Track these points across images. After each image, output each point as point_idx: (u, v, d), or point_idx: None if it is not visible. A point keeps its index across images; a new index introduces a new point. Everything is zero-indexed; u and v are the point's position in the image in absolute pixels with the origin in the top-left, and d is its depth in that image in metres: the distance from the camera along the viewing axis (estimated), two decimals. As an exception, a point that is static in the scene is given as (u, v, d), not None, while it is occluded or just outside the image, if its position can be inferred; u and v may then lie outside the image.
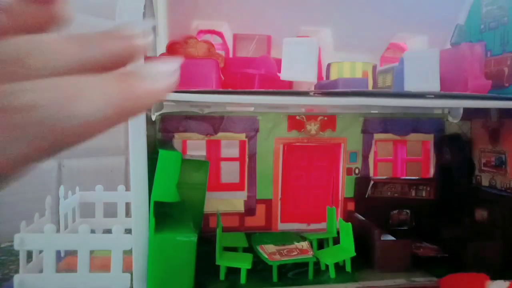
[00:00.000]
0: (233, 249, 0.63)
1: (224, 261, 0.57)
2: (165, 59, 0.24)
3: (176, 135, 0.70)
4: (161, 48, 0.68)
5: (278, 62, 0.60)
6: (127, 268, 0.53)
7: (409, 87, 0.58)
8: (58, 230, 0.68)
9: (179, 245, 0.49)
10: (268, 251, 0.61)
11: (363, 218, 0.69)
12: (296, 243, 0.64)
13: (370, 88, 0.65)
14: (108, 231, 0.61)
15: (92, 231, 0.57)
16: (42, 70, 0.19)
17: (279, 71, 0.59)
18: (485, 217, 0.69)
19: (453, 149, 0.75)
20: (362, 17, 0.73)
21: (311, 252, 0.60)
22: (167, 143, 0.68)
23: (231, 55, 0.73)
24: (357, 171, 0.76)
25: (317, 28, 0.75)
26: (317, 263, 0.60)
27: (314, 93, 0.54)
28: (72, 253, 0.68)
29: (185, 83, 0.53)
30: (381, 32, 0.76)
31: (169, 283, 0.49)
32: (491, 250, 0.62)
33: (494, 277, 0.52)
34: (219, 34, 0.75)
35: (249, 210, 0.74)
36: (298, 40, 0.59)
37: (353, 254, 0.60)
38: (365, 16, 0.73)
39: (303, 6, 0.71)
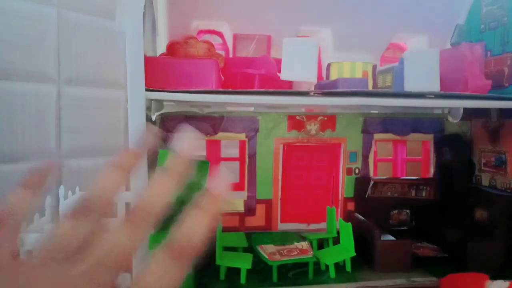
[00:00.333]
0: (233, 249, 0.63)
1: (224, 261, 0.57)
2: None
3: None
4: (161, 48, 0.68)
5: (278, 62, 0.60)
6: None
7: (409, 87, 0.58)
8: (58, 230, 0.68)
9: (179, 245, 0.48)
10: (268, 251, 0.61)
11: (363, 218, 0.69)
12: (296, 243, 0.64)
13: (370, 88, 0.65)
14: (108, 231, 0.61)
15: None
16: None
17: (279, 71, 0.59)
18: (485, 217, 0.69)
19: (453, 149, 0.75)
20: (362, 17, 0.73)
21: (311, 252, 0.60)
22: (167, 143, 0.68)
23: (231, 55, 0.73)
24: (357, 171, 0.76)
25: (317, 28, 0.75)
26: (317, 263, 0.60)
27: (314, 93, 0.54)
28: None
29: (185, 83, 0.53)
30: (381, 32, 0.76)
31: (169, 283, 0.49)
32: (491, 250, 0.62)
33: (494, 277, 0.52)
34: (219, 34, 0.75)
35: (249, 210, 0.74)
36: (298, 40, 0.59)
37: (353, 254, 0.60)
38: (365, 16, 0.73)
39: (303, 6, 0.71)
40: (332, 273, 0.59)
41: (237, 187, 0.74)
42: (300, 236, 0.70)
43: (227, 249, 0.62)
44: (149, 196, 0.28)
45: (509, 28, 0.64)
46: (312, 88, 0.63)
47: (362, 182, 0.75)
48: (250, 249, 0.63)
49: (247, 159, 0.73)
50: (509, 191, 0.68)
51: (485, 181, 0.74)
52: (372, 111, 0.77)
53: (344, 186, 0.76)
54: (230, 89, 0.53)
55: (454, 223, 0.70)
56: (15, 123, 0.87)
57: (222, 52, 0.73)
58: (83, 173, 0.97)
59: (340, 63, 0.66)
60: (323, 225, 0.73)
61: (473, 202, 0.71)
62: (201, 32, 0.74)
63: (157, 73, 0.53)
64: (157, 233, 0.49)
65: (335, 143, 0.76)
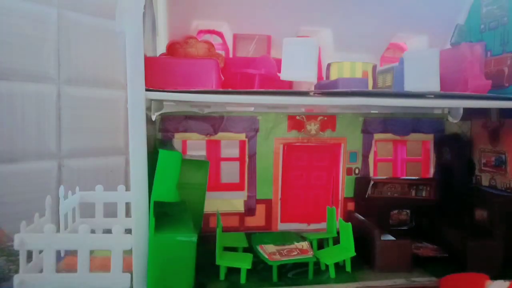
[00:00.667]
0: (233, 249, 0.63)
1: (224, 261, 0.57)
2: None
3: (176, 135, 0.70)
4: (161, 48, 0.68)
5: (278, 62, 0.60)
6: (127, 268, 0.53)
7: (409, 87, 0.58)
8: (58, 230, 0.68)
9: (179, 245, 0.48)
10: (268, 251, 0.61)
11: (363, 218, 0.69)
12: (296, 243, 0.65)
13: (370, 88, 0.65)
14: (108, 231, 0.61)
15: (92, 231, 0.56)
16: None
17: (279, 71, 0.59)
18: (485, 217, 0.69)
19: (453, 149, 0.75)
20: (362, 17, 0.73)
21: (311, 252, 0.60)
22: (167, 143, 0.68)
23: (231, 55, 0.73)
24: (357, 171, 0.76)
25: (317, 28, 0.75)
26: (317, 263, 0.60)
27: (314, 93, 0.54)
28: (72, 253, 0.67)
29: (185, 83, 0.53)
30: (381, 32, 0.76)
31: (169, 283, 0.49)
32: (491, 250, 0.62)
33: (494, 277, 0.52)
34: (219, 34, 0.75)
35: (249, 210, 0.74)
36: (298, 40, 0.59)
37: (353, 254, 0.60)
38: (365, 16, 0.73)
39: (303, 6, 0.71)
40: (332, 273, 0.59)
41: (237, 187, 0.74)
42: (300, 236, 0.70)
43: (227, 249, 0.62)
44: None
45: (509, 28, 0.64)
46: (312, 88, 0.63)
47: (362, 182, 0.75)
48: (250, 249, 0.63)
49: (247, 159, 0.73)
50: (509, 191, 0.68)
51: (485, 181, 0.74)
52: (372, 111, 0.77)
53: (344, 186, 0.76)
54: (230, 89, 0.53)
55: (454, 223, 0.70)
56: (15, 123, 0.87)
57: (222, 52, 0.73)
58: (83, 173, 0.97)
59: (340, 63, 0.66)
60: (323, 225, 0.73)
61: (473, 202, 0.71)
62: (201, 32, 0.74)
63: (157, 73, 0.53)
64: (158, 234, 0.49)
65: (335, 143, 0.76)
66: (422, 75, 0.58)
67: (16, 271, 0.56)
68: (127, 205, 0.80)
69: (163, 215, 0.53)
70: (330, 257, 0.61)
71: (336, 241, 0.66)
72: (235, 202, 0.74)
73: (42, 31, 0.89)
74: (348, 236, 0.61)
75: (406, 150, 0.82)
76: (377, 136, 0.77)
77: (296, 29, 0.73)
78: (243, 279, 0.57)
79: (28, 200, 0.87)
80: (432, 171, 0.79)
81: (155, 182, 0.48)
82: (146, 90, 0.48)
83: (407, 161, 0.82)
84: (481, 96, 0.57)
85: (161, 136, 0.70)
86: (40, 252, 0.62)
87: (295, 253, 0.61)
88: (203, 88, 0.52)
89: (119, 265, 0.54)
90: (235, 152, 0.76)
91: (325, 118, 0.74)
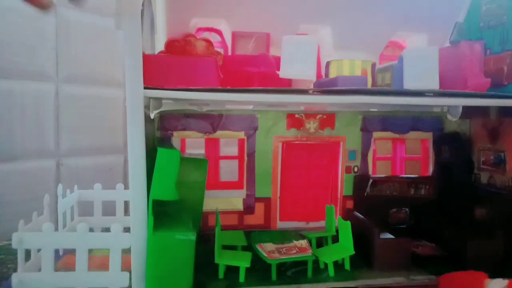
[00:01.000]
0: (232, 248, 0.63)
1: (223, 259, 0.57)
2: None
3: (175, 133, 0.70)
4: (160, 46, 0.68)
5: (277, 60, 0.60)
6: (126, 266, 0.53)
7: (408, 85, 0.58)
8: (56, 229, 0.68)
9: (178, 244, 0.48)
10: (267, 249, 0.61)
11: (362, 217, 0.69)
12: (295, 242, 0.64)
13: (369, 86, 0.65)
14: (107, 229, 0.61)
15: (91, 230, 0.56)
16: None
17: (278, 69, 0.59)
18: (484, 215, 0.69)
19: (452, 148, 0.75)
20: (361, 15, 0.73)
21: (310, 251, 0.60)
22: (165, 141, 0.68)
23: (230, 53, 0.73)
24: (356, 169, 0.76)
25: (317, 26, 0.75)
26: (316, 262, 0.60)
27: (313, 91, 0.54)
28: (71, 252, 0.67)
29: (184, 81, 0.53)
30: (381, 30, 0.75)
31: (168, 282, 0.49)
32: (490, 248, 0.62)
33: (493, 275, 0.52)
34: (218, 32, 0.75)
35: (248, 209, 0.73)
36: (297, 38, 0.59)
37: (352, 252, 0.60)
38: (365, 14, 0.73)
39: (302, 3, 0.71)
40: (331, 271, 0.59)
41: (236, 185, 0.74)
42: (299, 234, 0.70)
43: (226, 247, 0.62)
44: None
45: (508, 27, 0.64)
46: (311, 86, 0.62)
47: (361, 180, 0.75)
48: (249, 247, 0.63)
49: (246, 158, 0.73)
50: (508, 189, 0.68)
51: (484, 179, 0.74)
52: (371, 109, 0.77)
53: (343, 185, 0.76)
54: (229, 87, 0.53)
55: (453, 222, 0.70)
56: (13, 122, 0.86)
57: (221, 50, 0.73)
58: (82, 172, 0.97)
59: (340, 61, 0.66)
60: (322, 223, 0.73)
61: (472, 200, 0.71)
62: (199, 30, 0.74)
63: (156, 71, 0.53)
64: (157, 233, 0.49)
65: (334, 141, 0.76)
66: (422, 73, 0.58)
67: (15, 270, 0.56)
68: (126, 204, 0.80)
69: (162, 213, 0.53)
70: (329, 255, 0.61)
71: (335, 239, 0.66)
72: (234, 200, 0.74)
73: (40, 29, 0.88)
74: (347, 235, 0.61)
75: (405, 148, 0.82)
76: (376, 134, 0.76)
77: (295, 27, 0.73)
78: (242, 277, 0.57)
79: (26, 198, 0.87)
80: (431, 169, 0.79)
81: (153, 180, 0.48)
82: (145, 88, 0.48)
83: (406, 159, 0.82)
84: (480, 94, 0.57)
85: (160, 134, 0.70)
86: (39, 250, 0.62)
87: (294, 251, 0.61)
88: (202, 86, 0.52)
89: (117, 263, 0.54)
90: (234, 150, 0.76)
91: (324, 116, 0.74)
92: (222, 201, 0.72)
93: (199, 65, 0.54)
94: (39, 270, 0.55)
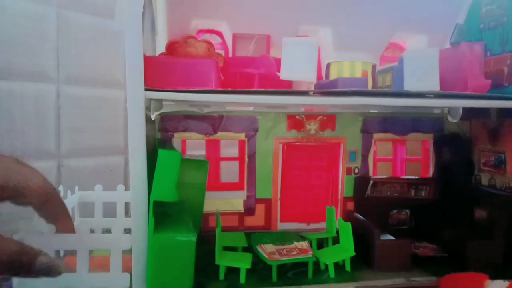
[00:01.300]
0: (233, 249, 0.63)
1: (223, 260, 0.57)
2: None
3: (176, 135, 0.70)
4: (161, 47, 0.68)
5: (278, 61, 0.60)
6: (127, 268, 0.53)
7: (408, 86, 0.58)
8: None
9: (179, 245, 0.48)
10: (267, 250, 0.61)
11: (363, 218, 0.69)
12: (295, 243, 0.64)
13: (369, 87, 0.65)
14: (108, 230, 0.61)
15: (92, 231, 0.56)
16: None
17: (279, 71, 0.59)
18: (484, 216, 0.69)
19: (453, 149, 0.75)
20: (361, 16, 0.73)
21: (311, 252, 0.60)
22: (166, 143, 0.68)
23: (230, 55, 0.73)
24: (356, 170, 0.76)
25: (317, 28, 0.75)
26: (316, 263, 0.60)
27: (313, 93, 0.54)
28: (71, 253, 0.67)
29: (185, 83, 0.53)
30: (381, 31, 0.76)
31: (169, 283, 0.49)
32: (490, 249, 0.62)
33: (493, 277, 0.52)
34: (219, 34, 0.75)
35: (249, 210, 0.73)
36: (298, 39, 0.59)
37: (353, 253, 0.60)
38: (365, 15, 0.73)
39: (302, 5, 0.71)
40: (331, 272, 0.59)
41: (237, 186, 0.74)
42: (299, 235, 0.70)
43: (226, 248, 0.62)
44: None
45: (508, 28, 0.64)
46: (312, 88, 0.62)
47: (361, 181, 0.75)
48: (249, 248, 0.63)
49: (246, 159, 0.73)
50: (509, 190, 0.68)
51: (484, 180, 0.74)
52: (371, 111, 0.77)
53: (344, 186, 0.76)
54: (229, 89, 0.53)
55: (453, 223, 0.70)
56: (14, 123, 0.87)
57: (222, 52, 0.73)
58: (82, 173, 0.97)
59: (340, 63, 0.66)
60: (322, 224, 0.73)
61: (473, 201, 0.71)
62: (200, 31, 0.74)
63: (157, 73, 0.53)
64: (158, 234, 0.49)
65: (334, 143, 0.76)
66: (422, 74, 0.58)
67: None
68: (127, 205, 0.80)
69: (163, 215, 0.53)
70: (330, 256, 0.61)
71: (336, 240, 0.66)
72: (235, 201, 0.74)
73: (41, 30, 0.88)
74: (348, 236, 0.61)
75: (405, 150, 0.82)
76: (376, 135, 0.77)
77: (295, 29, 0.73)
78: (242, 278, 0.57)
79: (27, 199, 0.87)
80: (431, 170, 0.79)
81: (154, 181, 0.48)
82: (146, 89, 0.48)
83: (406, 160, 0.82)
84: (481, 96, 0.57)
85: (160, 136, 0.70)
86: (39, 252, 0.62)
87: (295, 252, 0.61)
88: (202, 87, 0.52)
89: (118, 265, 0.54)
90: (234, 151, 0.76)
91: (325, 118, 0.74)
92: (223, 202, 0.72)
93: (200, 67, 0.54)
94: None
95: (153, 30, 0.66)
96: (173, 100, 0.57)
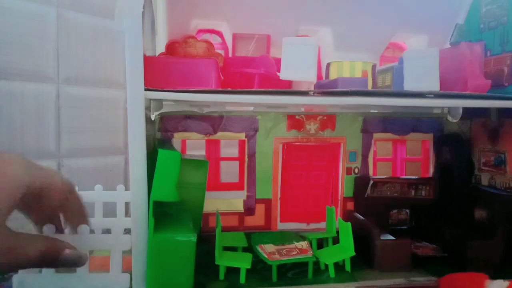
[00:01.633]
0: (233, 249, 0.63)
1: (223, 260, 0.57)
2: None
3: (176, 135, 0.70)
4: (161, 47, 0.68)
5: (278, 61, 0.60)
6: (126, 268, 0.53)
7: (408, 86, 0.58)
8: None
9: (179, 245, 0.48)
10: (267, 250, 0.61)
11: (363, 218, 0.69)
12: (295, 243, 0.64)
13: (369, 87, 0.65)
14: (107, 231, 0.61)
15: (91, 231, 0.56)
16: None
17: (279, 71, 0.59)
18: (484, 216, 0.69)
19: (453, 149, 0.75)
20: (361, 16, 0.73)
21: (311, 252, 0.60)
22: (166, 143, 0.68)
23: (230, 55, 0.73)
24: (356, 170, 0.76)
25: (317, 28, 0.75)
26: (316, 263, 0.60)
27: (313, 93, 0.54)
28: (72, 253, 0.67)
29: (185, 83, 0.53)
30: (381, 31, 0.76)
31: (169, 283, 0.49)
32: (490, 249, 0.62)
33: (493, 277, 0.52)
34: (219, 34, 0.75)
35: (249, 210, 0.73)
36: (298, 39, 0.59)
37: (353, 253, 0.60)
38: (365, 15, 0.73)
39: (302, 5, 0.71)
40: (331, 272, 0.59)
41: (237, 186, 0.74)
42: (299, 235, 0.70)
43: (226, 248, 0.62)
44: None
45: (508, 28, 0.64)
46: (312, 88, 0.62)
47: (361, 181, 0.75)
48: (249, 248, 0.63)
49: (246, 159, 0.73)
50: (509, 190, 0.68)
51: (484, 180, 0.74)
52: (371, 111, 0.77)
53: (344, 186, 0.76)
54: (229, 89, 0.53)
55: (453, 223, 0.70)
56: (14, 123, 0.87)
57: (222, 52, 0.73)
58: (82, 173, 0.97)
59: (340, 63, 0.66)
60: (322, 224, 0.73)
61: (473, 201, 0.71)
62: (200, 31, 0.74)
63: (157, 73, 0.53)
64: (158, 234, 0.49)
65: (334, 143, 0.76)
66: (422, 74, 0.58)
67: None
68: (127, 205, 0.80)
69: (163, 215, 0.53)
70: (330, 256, 0.61)
71: (336, 240, 0.66)
72: (235, 201, 0.74)
73: (41, 30, 0.88)
74: (348, 236, 0.61)
75: (405, 150, 0.82)
76: (376, 135, 0.77)
77: (295, 29, 0.73)
78: (242, 279, 0.57)
79: (27, 199, 0.87)
80: (431, 170, 0.79)
81: (154, 181, 0.48)
82: (146, 89, 0.48)
83: (406, 160, 0.82)
84: (481, 96, 0.57)
85: (160, 136, 0.70)
86: (39, 252, 0.62)
87: (295, 252, 0.61)
88: (202, 87, 0.52)
89: (118, 265, 0.54)
90: (234, 151, 0.76)
91: (325, 118, 0.74)
92: (223, 202, 0.72)
93: (200, 67, 0.54)
94: (40, 271, 0.55)
95: (153, 30, 0.66)
96: (173, 100, 0.57)
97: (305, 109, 0.75)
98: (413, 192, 0.75)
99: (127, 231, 0.52)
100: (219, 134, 0.72)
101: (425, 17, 0.74)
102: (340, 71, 0.66)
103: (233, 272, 0.58)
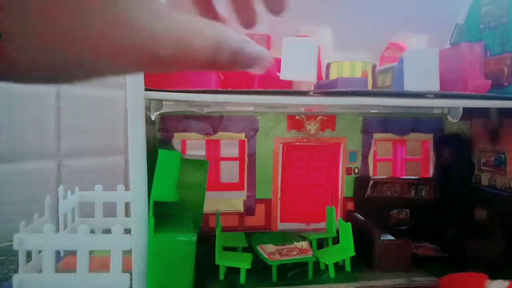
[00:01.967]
0: (233, 249, 0.63)
1: (223, 260, 0.57)
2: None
3: (176, 135, 0.70)
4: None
5: (278, 61, 0.60)
6: (127, 268, 0.53)
7: (408, 86, 0.58)
8: (57, 230, 0.68)
9: (179, 245, 0.48)
10: (267, 250, 0.61)
11: (363, 218, 0.69)
12: (295, 243, 0.64)
13: (369, 87, 0.65)
14: (108, 231, 0.61)
15: (92, 231, 0.56)
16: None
17: (279, 71, 0.59)
18: (484, 216, 0.69)
19: (453, 149, 0.75)
20: (361, 16, 0.73)
21: (311, 252, 0.60)
22: (166, 143, 0.68)
23: (230, 55, 0.73)
24: (356, 170, 0.76)
25: (317, 28, 0.75)
26: (316, 263, 0.60)
27: (313, 93, 0.54)
28: (72, 253, 0.68)
29: (185, 83, 0.53)
30: (381, 31, 0.75)
31: (169, 283, 0.49)
32: (490, 249, 0.62)
33: (493, 277, 0.52)
34: (219, 34, 0.75)
35: (249, 210, 0.73)
36: (298, 39, 0.59)
37: (353, 253, 0.60)
38: (365, 15, 0.73)
39: (302, 5, 0.71)
40: (331, 272, 0.59)
41: (237, 186, 0.74)
42: (299, 235, 0.70)
43: (226, 248, 0.62)
44: None
45: (508, 28, 0.64)
46: (312, 88, 0.62)
47: (361, 181, 0.75)
48: (249, 248, 0.63)
49: (246, 159, 0.73)
50: (509, 190, 0.68)
51: (484, 180, 0.74)
52: (371, 111, 0.77)
53: (344, 186, 0.76)
54: (229, 89, 0.53)
55: (453, 223, 0.70)
56: (14, 123, 0.87)
57: (222, 52, 0.72)
58: (83, 173, 0.97)
59: (340, 63, 0.66)
60: (322, 224, 0.73)
61: (473, 201, 0.71)
62: (200, 31, 0.74)
63: (156, 73, 0.53)
64: (158, 234, 0.49)
65: (334, 143, 0.76)
66: (422, 74, 0.58)
67: (16, 271, 0.56)
68: (127, 205, 0.80)
69: (163, 215, 0.53)
70: (330, 256, 0.61)
71: (336, 240, 0.66)
72: (235, 201, 0.74)
73: (41, 30, 0.88)
74: (348, 236, 0.61)
75: (405, 150, 0.82)
76: (376, 135, 0.77)
77: (295, 29, 0.73)
78: (242, 279, 0.57)
79: (27, 199, 0.87)
80: (431, 170, 0.79)
81: (154, 182, 0.48)
82: (146, 89, 0.48)
83: (406, 160, 0.82)
84: (481, 96, 0.57)
85: (160, 136, 0.70)
86: (40, 252, 0.62)
87: (295, 252, 0.61)
88: (202, 87, 0.52)
89: (118, 265, 0.54)
90: (234, 151, 0.76)
91: (325, 118, 0.74)
92: (223, 203, 0.72)
93: (200, 67, 0.54)
94: (40, 271, 0.55)
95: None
96: (173, 100, 0.57)
97: (305, 109, 0.75)
98: (413, 192, 0.75)
99: (127, 231, 0.52)
100: (219, 134, 0.72)
101: (425, 17, 0.74)
102: (340, 71, 0.66)
103: (233, 272, 0.58)
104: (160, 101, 0.65)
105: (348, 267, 0.61)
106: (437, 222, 0.72)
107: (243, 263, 0.57)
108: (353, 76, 0.65)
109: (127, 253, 0.53)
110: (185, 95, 0.50)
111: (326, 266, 0.60)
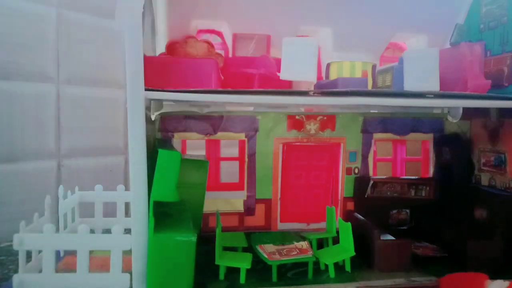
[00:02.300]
0: (233, 249, 0.63)
1: (223, 261, 0.57)
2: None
3: (176, 135, 0.70)
4: (161, 47, 0.68)
5: (278, 61, 0.60)
6: (127, 268, 0.53)
7: (408, 86, 0.58)
8: (57, 230, 0.68)
9: (179, 245, 0.48)
10: (267, 250, 0.61)
11: (363, 218, 0.69)
12: (295, 243, 0.65)
13: (369, 87, 0.65)
14: (108, 231, 0.61)
15: (92, 231, 0.56)
16: None
17: (279, 71, 0.59)
18: (484, 216, 0.69)
19: (453, 149, 0.75)
20: (361, 16, 0.73)
21: (311, 252, 0.60)
22: (166, 143, 0.68)
23: (230, 55, 0.73)
24: (356, 170, 0.76)
25: (317, 28, 0.75)
26: (316, 263, 0.60)
27: (313, 93, 0.54)
28: (72, 253, 0.67)
29: (185, 83, 0.53)
30: (381, 31, 0.76)
31: (169, 283, 0.49)
32: (490, 249, 0.62)
33: (493, 277, 0.52)
34: (219, 34, 0.75)
35: (249, 210, 0.74)
36: (298, 39, 0.59)
37: (353, 253, 0.60)
38: (365, 15, 0.73)
39: (302, 5, 0.71)
40: (331, 272, 0.59)
41: (237, 186, 0.74)
42: (299, 235, 0.70)
43: (226, 248, 0.62)
44: None
45: (508, 28, 0.64)
46: (312, 88, 0.62)
47: (361, 181, 0.75)
48: (249, 248, 0.63)
49: (246, 159, 0.73)
50: (509, 190, 0.68)
51: (484, 180, 0.74)
52: (371, 111, 0.77)
53: (344, 186, 0.76)
54: (229, 89, 0.53)
55: (453, 223, 0.70)
56: (14, 123, 0.87)
57: (222, 52, 0.73)
58: (82, 173, 0.97)
59: (340, 63, 0.66)
60: (322, 224, 0.73)
61: (473, 201, 0.71)
62: (200, 31, 0.74)
63: (157, 73, 0.53)
64: (158, 234, 0.49)
65: (334, 143, 0.76)
66: (422, 74, 0.58)
67: (16, 271, 0.56)
68: (127, 205, 0.80)
69: (163, 215, 0.53)
70: (330, 256, 0.61)
71: (336, 240, 0.66)
72: (235, 201, 0.74)
73: (41, 30, 0.88)
74: (348, 236, 0.61)
75: (405, 150, 0.82)
76: (376, 135, 0.77)
77: (295, 29, 0.73)
78: (242, 279, 0.57)
79: (27, 199, 0.87)
80: (431, 170, 0.79)
81: (154, 181, 0.48)
82: (146, 89, 0.48)
83: (406, 160, 0.82)
84: (481, 96, 0.57)
85: (160, 136, 0.70)
86: (40, 252, 0.62)
87: (295, 252, 0.61)
88: (202, 87, 0.52)
89: (118, 265, 0.54)
90: (234, 151, 0.76)
91: (325, 118, 0.74)
92: (223, 203, 0.72)
93: (200, 67, 0.54)
94: (40, 271, 0.55)
95: (153, 30, 0.66)
96: (173, 100, 0.57)
97: (305, 109, 0.75)
98: (413, 192, 0.75)
99: (127, 231, 0.52)
100: (219, 134, 0.72)
101: (425, 17, 0.74)
102: (340, 71, 0.66)
103: (233, 272, 0.58)
104: (160, 101, 0.65)
105: (348, 267, 0.61)
106: (437, 222, 0.72)
107: (243, 263, 0.57)
108: (353, 76, 0.65)
109: (127, 253, 0.53)
110: (185, 95, 0.50)
111: (326, 266, 0.60)
